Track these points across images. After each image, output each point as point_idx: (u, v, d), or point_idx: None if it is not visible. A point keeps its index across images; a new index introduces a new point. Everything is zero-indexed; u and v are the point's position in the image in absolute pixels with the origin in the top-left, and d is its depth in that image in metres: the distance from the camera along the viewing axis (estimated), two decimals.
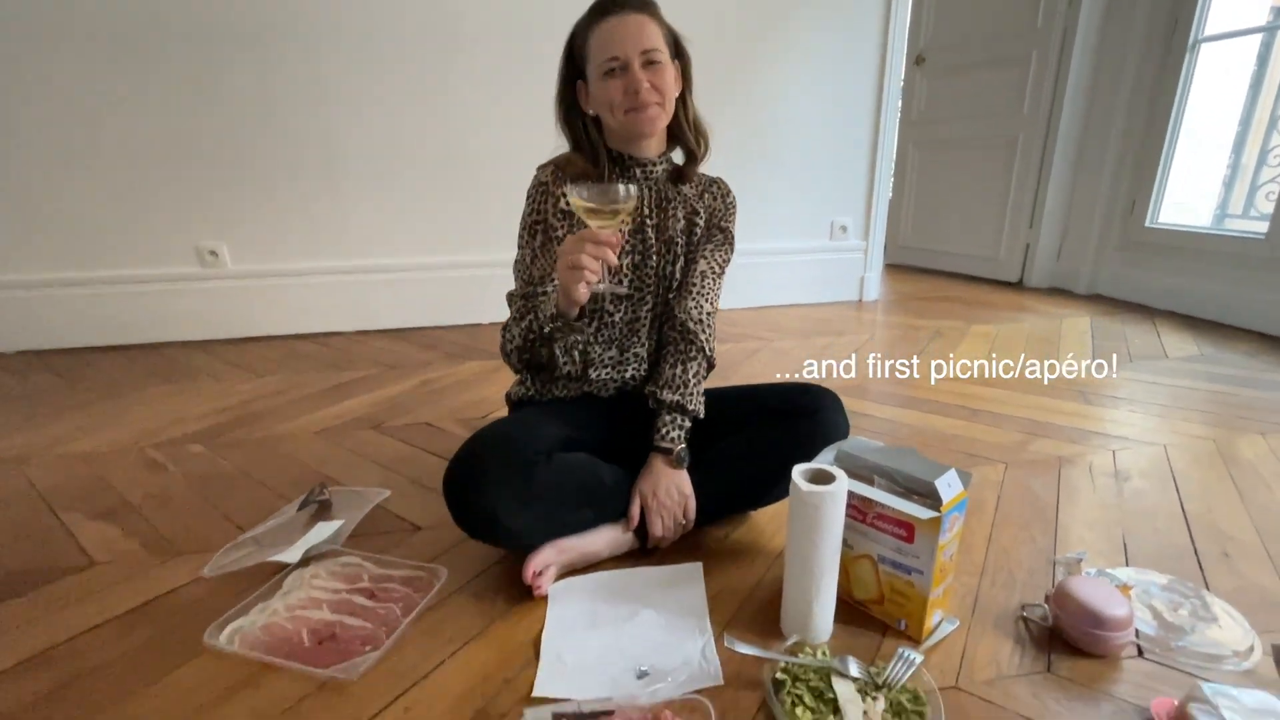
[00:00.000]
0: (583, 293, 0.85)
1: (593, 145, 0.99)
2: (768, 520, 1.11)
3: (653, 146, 1.01)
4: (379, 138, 2.22)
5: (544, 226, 1.01)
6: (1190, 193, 2.62)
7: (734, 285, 2.65)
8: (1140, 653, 0.80)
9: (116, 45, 1.97)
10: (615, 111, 0.93)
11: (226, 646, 0.83)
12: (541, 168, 1.03)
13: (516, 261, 1.04)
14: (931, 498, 0.77)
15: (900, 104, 3.38)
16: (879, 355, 2.03)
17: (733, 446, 1.03)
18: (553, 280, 1.00)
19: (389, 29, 2.13)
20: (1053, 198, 2.83)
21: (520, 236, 1.03)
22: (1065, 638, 0.81)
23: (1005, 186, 2.97)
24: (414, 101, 2.21)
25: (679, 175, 1.05)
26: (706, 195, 1.09)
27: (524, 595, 0.91)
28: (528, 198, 1.03)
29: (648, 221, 1.03)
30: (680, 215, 1.05)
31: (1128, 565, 0.97)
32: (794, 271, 2.72)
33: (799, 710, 0.69)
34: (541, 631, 0.85)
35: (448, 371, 1.93)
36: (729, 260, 1.12)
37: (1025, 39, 2.79)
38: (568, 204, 0.98)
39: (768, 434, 1.01)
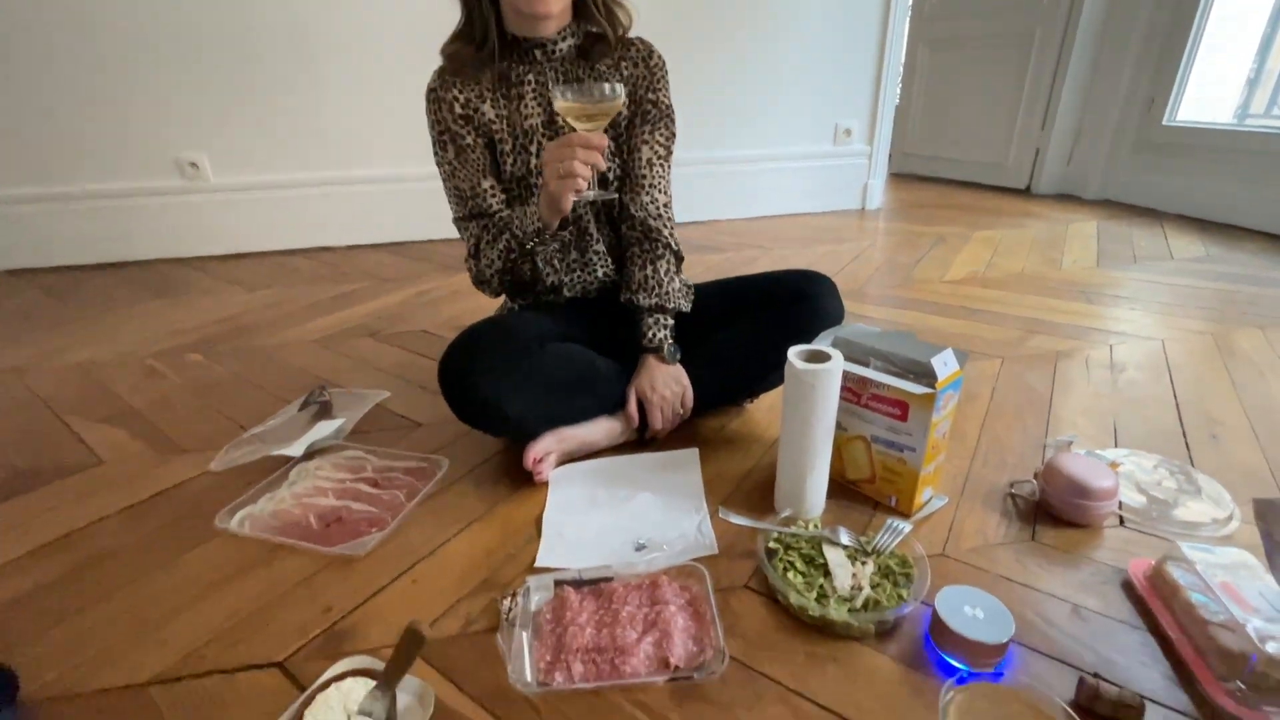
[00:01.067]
0: (570, 202, 0.83)
1: (484, 22, 0.88)
2: (763, 413, 1.12)
3: (552, 25, 0.90)
4: (358, 36, 2.09)
5: (451, 137, 0.95)
6: (1212, 90, 2.49)
7: (732, 195, 2.59)
8: (1122, 522, 0.83)
9: None
10: None
11: (238, 529, 0.86)
12: (432, 77, 0.95)
13: (444, 181, 0.99)
14: (927, 377, 0.78)
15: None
16: (879, 260, 2.00)
17: (728, 335, 1.02)
18: (514, 198, 0.96)
19: None
20: (1068, 97, 2.69)
21: (434, 154, 0.98)
22: (1051, 510, 0.84)
23: (1018, 86, 2.83)
24: (385, 9, 2.06)
25: (585, 52, 0.94)
26: (624, 64, 0.96)
27: (525, 481, 0.93)
28: (426, 112, 0.96)
29: (556, 116, 0.94)
30: (618, 83, 0.93)
31: (1117, 447, 0.99)
32: (795, 179, 2.64)
33: (790, 574, 0.72)
34: (543, 512, 0.87)
35: (442, 283, 1.91)
36: (673, 136, 1.01)
37: None
38: (464, 108, 0.93)
39: (762, 320, 1.00)
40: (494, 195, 0.96)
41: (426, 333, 1.53)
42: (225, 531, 0.86)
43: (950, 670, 0.62)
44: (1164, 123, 2.48)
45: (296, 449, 1.00)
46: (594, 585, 0.73)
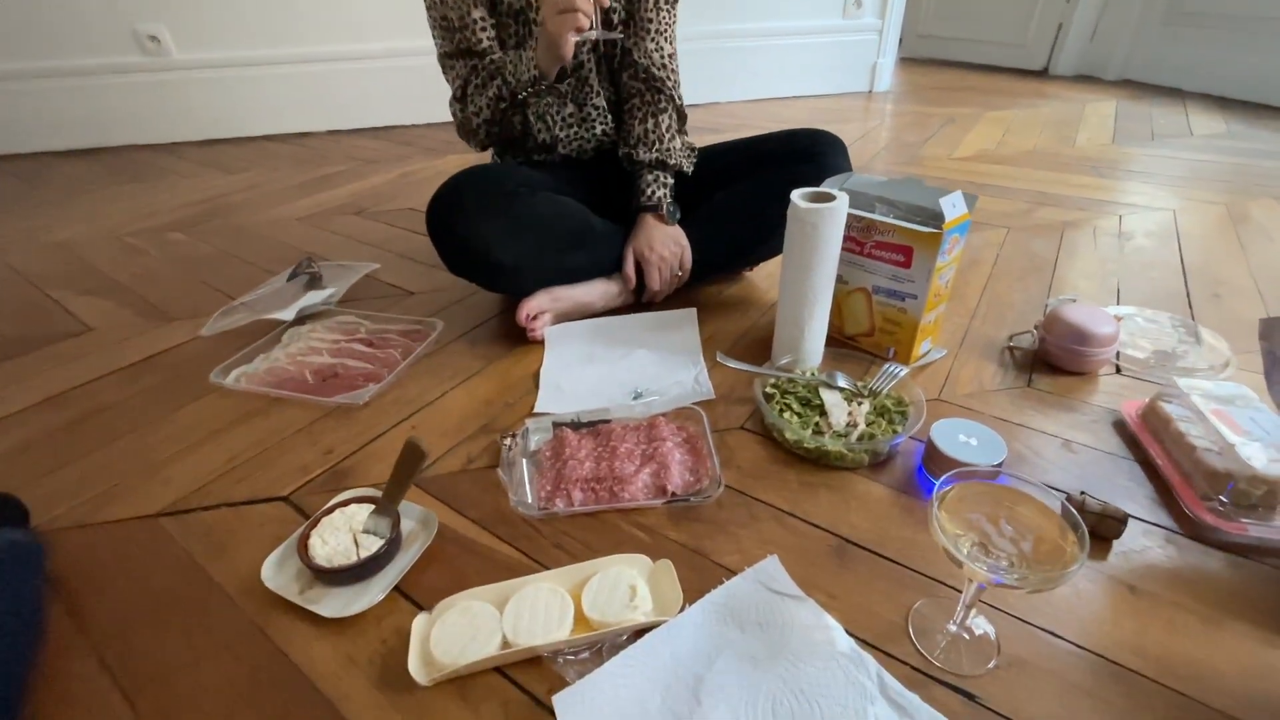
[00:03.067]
0: (570, 44, 0.76)
1: None
2: (763, 278, 1.10)
3: None
4: None
5: None
6: None
7: (733, 75, 2.45)
8: (1119, 371, 0.83)
9: None
10: None
11: (234, 385, 0.85)
12: None
13: (428, 9, 0.89)
14: (935, 219, 0.75)
15: None
16: (886, 139, 1.91)
17: (729, 196, 0.98)
18: (508, 36, 0.88)
19: None
20: None
21: None
22: (1049, 359, 0.84)
23: None
24: None
25: None
26: None
27: (521, 341, 0.93)
28: None
29: None
30: None
31: (1118, 304, 0.98)
32: (800, 57, 2.47)
33: (787, 414, 0.73)
34: (540, 367, 0.87)
35: (427, 164, 1.82)
36: None
37: None
38: None
39: (766, 180, 0.95)
40: (484, 29, 0.88)
41: (413, 210, 1.48)
42: (220, 387, 0.85)
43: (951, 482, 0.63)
44: None
45: (288, 313, 0.99)
46: (592, 427, 0.73)
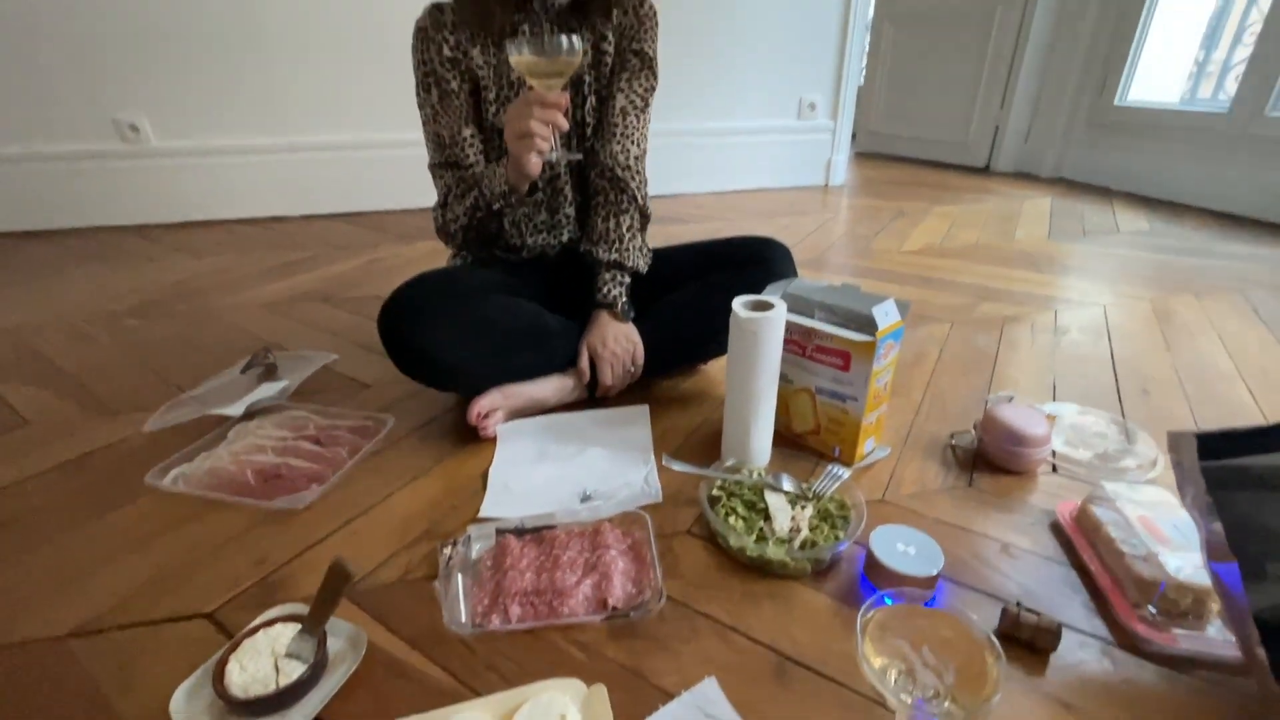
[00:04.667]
0: (535, 164, 0.81)
1: None
2: (716, 371, 1.13)
3: None
4: (298, 11, 2.01)
5: (435, 79, 0.91)
6: (1161, 73, 2.56)
7: (697, 168, 2.58)
8: (1055, 469, 0.85)
9: None
10: None
11: (170, 487, 0.83)
12: (422, 14, 0.91)
13: (423, 124, 0.96)
14: (869, 326, 0.78)
15: None
16: (840, 232, 2.01)
17: (682, 296, 1.02)
18: (492, 149, 0.94)
19: None
20: (1025, 76, 2.74)
21: (416, 95, 0.94)
22: (988, 458, 0.86)
23: (979, 64, 2.86)
24: None
25: (580, 6, 0.92)
26: (615, 11, 0.94)
27: (472, 438, 0.92)
28: (412, 50, 0.92)
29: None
30: (578, 36, 0.93)
31: (1055, 401, 1.02)
32: (760, 153, 2.64)
33: (731, 519, 0.73)
34: (489, 466, 0.86)
35: (397, 251, 1.86)
36: (653, 89, 1.00)
37: None
38: (452, 50, 0.89)
39: (716, 282, 0.99)
40: (472, 145, 0.94)
41: (379, 297, 1.48)
42: (156, 489, 0.83)
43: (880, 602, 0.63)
44: (1115, 103, 2.54)
45: (236, 408, 0.97)
46: (536, 533, 0.72)
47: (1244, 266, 1.64)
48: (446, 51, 0.90)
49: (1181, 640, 0.59)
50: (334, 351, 1.20)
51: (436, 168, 0.98)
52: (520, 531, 0.72)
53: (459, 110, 0.93)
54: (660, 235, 1.99)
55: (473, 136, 0.94)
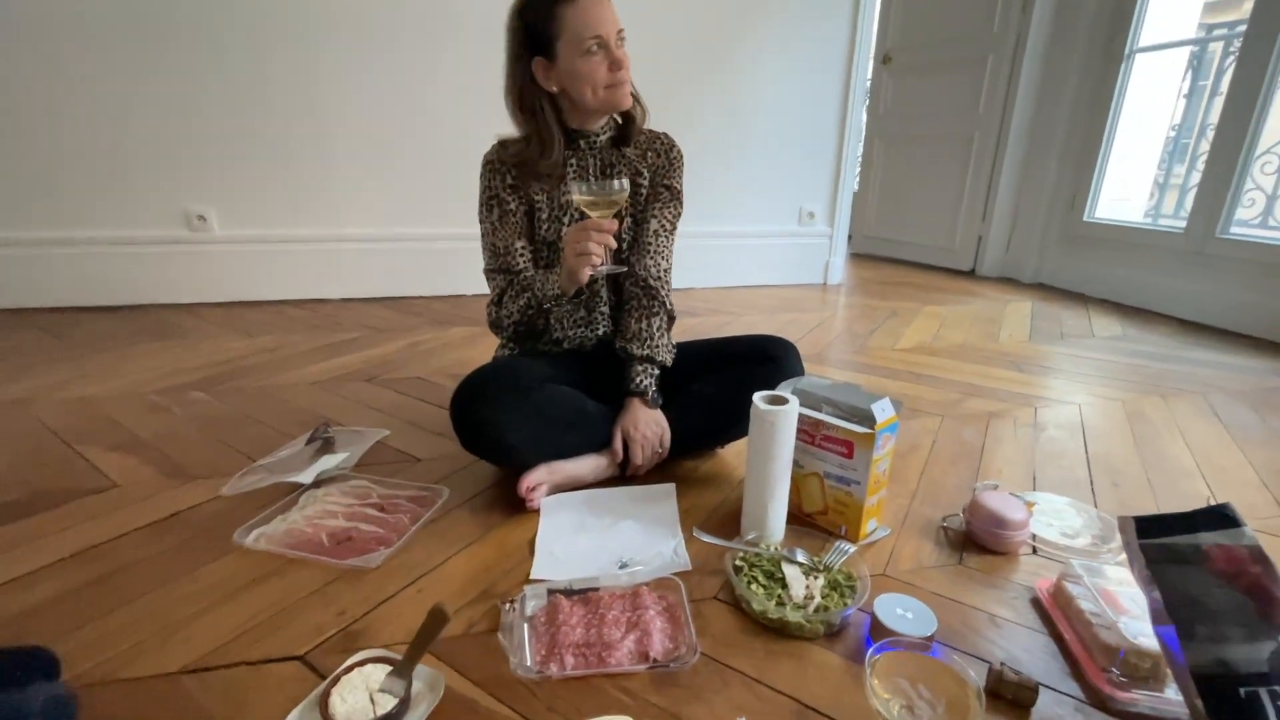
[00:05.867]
0: (586, 274, 0.98)
1: (549, 136, 1.04)
2: (734, 455, 1.25)
3: (601, 120, 1.10)
4: (367, 117, 2.29)
5: (498, 201, 1.11)
6: (1125, 191, 2.85)
7: (707, 265, 2.81)
8: (1035, 551, 0.97)
9: (125, 28, 2.01)
10: (597, 89, 1.01)
11: (254, 545, 0.93)
12: (491, 149, 1.12)
13: (482, 235, 1.15)
14: (869, 420, 0.92)
15: (868, 100, 3.57)
16: (839, 329, 2.20)
17: (704, 386, 1.16)
18: (531, 260, 1.12)
19: (382, 12, 2.20)
20: (1003, 192, 3.03)
21: (480, 212, 1.14)
22: (975, 540, 0.97)
23: (961, 181, 3.17)
24: (399, 84, 2.28)
25: (622, 139, 1.13)
26: (649, 154, 1.15)
27: (519, 509, 1.04)
28: (481, 177, 1.12)
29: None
30: (617, 177, 1.11)
31: (1034, 490, 1.14)
32: (764, 254, 2.88)
33: (754, 586, 0.84)
34: (535, 535, 0.97)
35: (435, 335, 2.03)
36: (679, 215, 1.19)
37: (982, 43, 2.98)
38: (514, 179, 1.09)
39: (734, 375, 1.14)
40: (523, 255, 1.12)
41: (421, 379, 1.64)
42: (241, 547, 0.93)
43: (885, 648, 0.73)
44: (1084, 219, 2.81)
45: (306, 476, 1.09)
46: (583, 594, 0.83)
47: (1207, 372, 1.80)
48: (509, 180, 1.10)
49: (1143, 700, 0.68)
50: (385, 428, 1.33)
51: (491, 272, 1.15)
52: (569, 592, 0.83)
53: (515, 226, 1.12)
54: (676, 327, 2.16)
55: (524, 248, 1.13)
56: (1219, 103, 2.32)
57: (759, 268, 2.89)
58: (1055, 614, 0.81)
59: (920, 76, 3.32)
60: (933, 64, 3.24)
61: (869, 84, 3.55)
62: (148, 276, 2.28)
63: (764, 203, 2.81)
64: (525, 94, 1.03)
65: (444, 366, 1.73)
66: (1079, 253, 2.84)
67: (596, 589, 0.84)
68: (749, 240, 2.84)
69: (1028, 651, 0.77)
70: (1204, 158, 2.58)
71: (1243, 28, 2.19)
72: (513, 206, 1.11)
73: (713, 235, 2.78)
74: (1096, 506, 1.09)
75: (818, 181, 2.84)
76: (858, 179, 3.79)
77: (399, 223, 2.44)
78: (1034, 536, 0.99)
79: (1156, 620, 0.64)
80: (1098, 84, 2.71)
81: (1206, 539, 0.63)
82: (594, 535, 0.97)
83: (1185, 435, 1.38)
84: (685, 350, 1.23)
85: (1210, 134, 2.33)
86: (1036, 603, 0.85)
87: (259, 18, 2.12)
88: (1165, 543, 0.64)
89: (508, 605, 0.79)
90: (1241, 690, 0.58)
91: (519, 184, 1.10)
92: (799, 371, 1.16)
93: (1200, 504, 1.10)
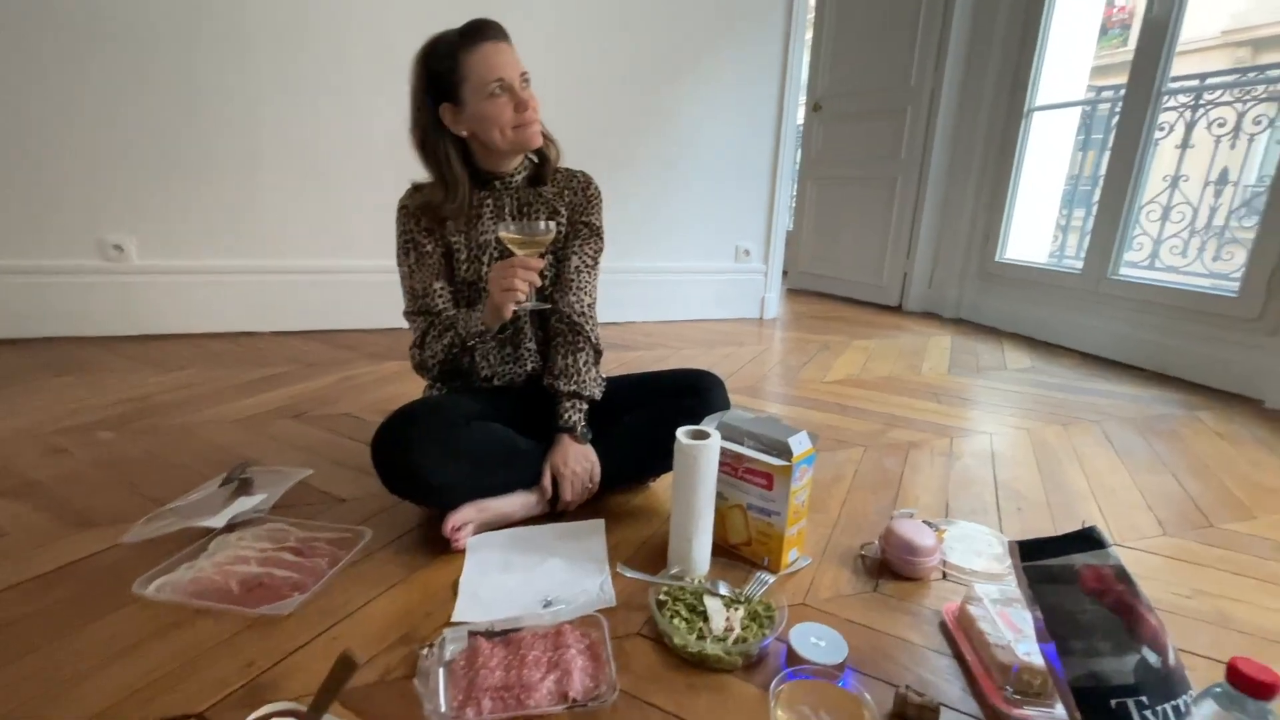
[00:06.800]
0: (510, 310, 1.01)
1: (455, 181, 1.06)
2: (664, 489, 1.27)
3: (515, 159, 1.12)
4: (302, 140, 2.26)
5: (414, 244, 1.12)
6: (1032, 234, 3.08)
7: (648, 299, 2.87)
8: (945, 576, 1.02)
9: (32, 34, 1.93)
10: (505, 130, 1.04)
11: (155, 596, 0.88)
12: (405, 194, 1.14)
13: (401, 279, 1.16)
14: (786, 453, 0.96)
15: (800, 144, 3.77)
16: (773, 362, 2.27)
17: (632, 420, 1.18)
18: (452, 300, 1.14)
19: (313, 36, 2.19)
20: (925, 233, 3.24)
21: (397, 256, 1.15)
22: (890, 567, 1.02)
23: (887, 221, 3.37)
24: (338, 105, 2.27)
25: (538, 178, 1.16)
26: (566, 192, 1.18)
27: (444, 549, 1.02)
28: (396, 221, 1.13)
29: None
30: (541, 217, 1.16)
31: (947, 517, 1.20)
32: (702, 289, 2.96)
33: (676, 621, 0.85)
34: (460, 575, 0.96)
35: (368, 369, 1.98)
36: (600, 250, 1.22)
37: (901, 95, 3.21)
38: (428, 221, 1.10)
39: (662, 409, 1.16)
40: (442, 296, 1.13)
41: (351, 415, 1.60)
42: (141, 598, 0.88)
43: (791, 677, 0.75)
44: (996, 259, 3.02)
45: (218, 521, 1.05)
46: (504, 635, 0.82)
47: (1103, 401, 1.95)
48: (424, 222, 1.12)
49: (1035, 715, 0.73)
50: (309, 467, 1.29)
51: (412, 315, 1.16)
52: (490, 634, 0.82)
53: (432, 268, 1.13)
54: (615, 360, 2.19)
55: (442, 288, 1.14)
56: (1108, 156, 2.57)
57: (698, 302, 2.97)
58: (959, 636, 0.86)
59: (848, 123, 3.54)
60: (859, 112, 3.46)
61: (800, 129, 3.76)
62: (57, 308, 2.15)
63: (702, 240, 2.90)
64: (429, 140, 1.05)
65: (376, 402, 1.69)
66: (993, 290, 3.05)
67: (519, 629, 0.83)
68: (688, 276, 2.92)
69: (934, 673, 0.80)
70: (1096, 202, 2.84)
71: (1123, 91, 2.44)
72: (429, 249, 1.12)
73: (653, 271, 2.85)
74: (1002, 531, 1.16)
75: (752, 221, 2.96)
76: (792, 218, 3.97)
77: (334, 253, 2.40)
78: (944, 562, 1.04)
79: (1040, 638, 0.69)
80: (1003, 136, 2.95)
81: (1079, 560, 0.69)
82: (520, 574, 0.96)
83: (1082, 461, 1.49)
84: (616, 384, 1.26)
85: (1102, 183, 2.57)
86: (944, 626, 0.89)
87: (187, 28, 2.07)
88: (1044, 565, 0.69)
89: (426, 650, 0.78)
90: (1112, 701, 0.63)
91: (434, 226, 1.12)
92: (724, 403, 1.20)
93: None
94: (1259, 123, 2.21)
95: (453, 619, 0.86)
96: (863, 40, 3.38)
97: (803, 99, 3.54)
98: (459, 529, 1.01)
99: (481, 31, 1.03)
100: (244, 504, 1.11)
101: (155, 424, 1.50)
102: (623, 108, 2.64)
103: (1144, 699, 0.63)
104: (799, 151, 3.84)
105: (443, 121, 1.05)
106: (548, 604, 0.90)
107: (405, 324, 1.18)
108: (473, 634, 0.82)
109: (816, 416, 1.74)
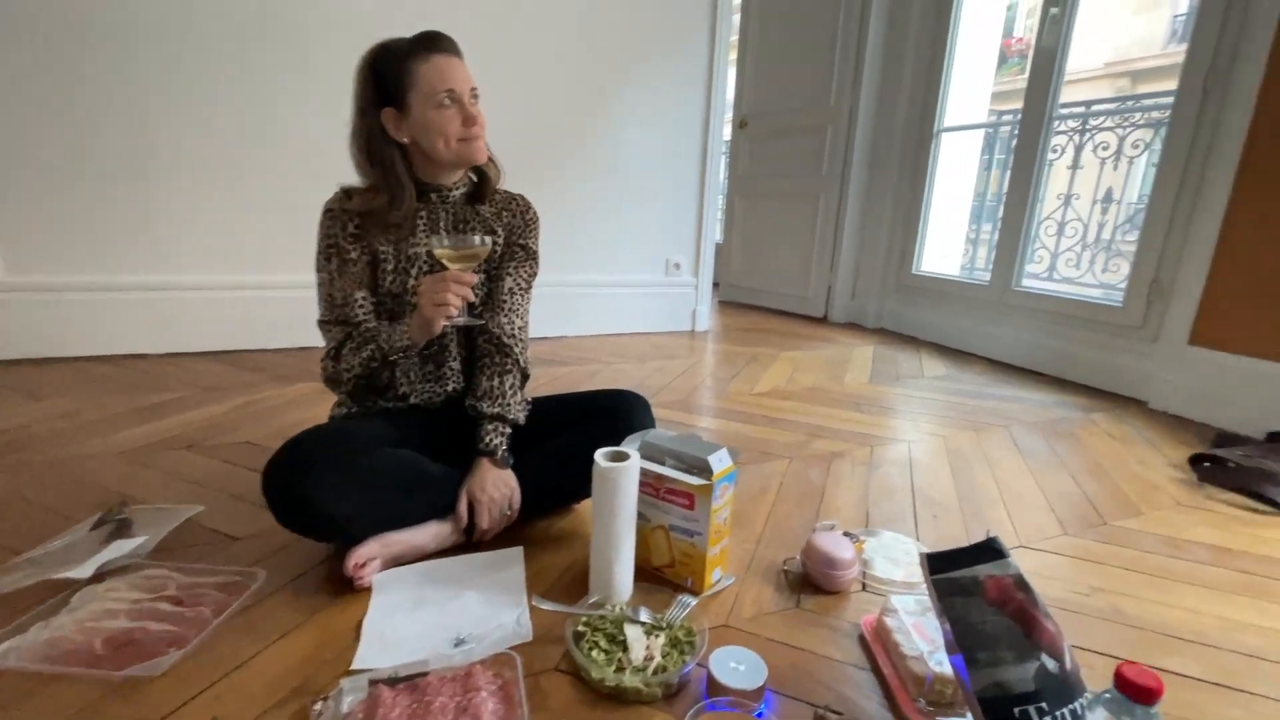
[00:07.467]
0: (440, 326, 0.97)
1: (400, 187, 1.02)
2: (589, 512, 1.24)
3: (455, 174, 1.10)
4: (201, 143, 2.11)
5: (337, 250, 1.06)
6: (944, 248, 3.25)
7: (580, 314, 2.84)
8: (864, 587, 1.03)
9: None
10: (449, 141, 1.01)
11: (1, 663, 0.77)
12: (333, 197, 1.08)
13: (319, 285, 1.09)
14: (706, 471, 0.95)
15: (727, 160, 3.85)
16: (703, 375, 2.28)
17: (555, 444, 1.14)
18: (373, 312, 1.08)
19: (217, 29, 2.06)
20: (846, 246, 3.36)
21: (317, 261, 1.08)
22: (811, 581, 1.02)
23: (811, 235, 3.47)
24: (241, 104, 2.13)
25: (477, 196, 1.14)
26: (504, 214, 1.16)
27: (348, 588, 0.95)
28: (320, 224, 1.07)
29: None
30: (477, 233, 1.12)
31: (867, 527, 1.23)
32: (634, 303, 2.95)
33: (594, 653, 0.81)
34: (364, 617, 0.89)
35: (275, 393, 1.86)
36: (534, 275, 1.20)
37: (821, 115, 3.33)
38: (356, 228, 1.05)
39: (585, 431, 1.13)
40: (363, 306, 1.07)
41: (252, 444, 1.48)
42: None
43: (710, 708, 0.73)
44: (913, 271, 3.17)
45: (83, 571, 0.94)
46: (410, 681, 0.76)
47: (1010, 407, 2.06)
48: (351, 229, 1.05)
49: None
50: (200, 503, 1.18)
51: (327, 324, 1.08)
52: (393, 680, 0.76)
53: (355, 276, 1.07)
54: (545, 376, 2.14)
55: (364, 299, 1.08)
56: (1009, 175, 2.74)
57: (630, 316, 2.96)
58: (876, 648, 0.86)
59: (772, 141, 3.64)
60: (783, 130, 3.57)
61: (727, 145, 3.84)
62: None
63: (632, 254, 2.90)
64: (374, 144, 1.01)
65: (282, 429, 1.58)
66: (911, 301, 3.19)
67: (425, 673, 0.77)
68: (619, 290, 2.91)
69: (853, 689, 0.80)
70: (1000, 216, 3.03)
71: (1020, 115, 2.62)
72: (354, 256, 1.06)
73: (584, 285, 2.82)
74: (919, 538, 1.19)
75: (682, 234, 2.99)
76: (722, 232, 4.04)
77: (239, 267, 2.24)
78: (864, 573, 1.05)
79: (949, 650, 0.69)
80: (916, 154, 3.10)
81: (982, 571, 0.70)
82: (431, 611, 0.91)
83: (992, 466, 1.56)
84: (540, 405, 1.22)
85: (1004, 200, 2.74)
86: (862, 639, 0.90)
87: (67, 23, 1.90)
88: (951, 577, 0.71)
89: (319, 703, 0.71)
90: (1016, 710, 0.64)
91: (362, 234, 1.06)
92: (649, 423, 1.18)
93: (999, 528, 1.23)
94: (1137, 146, 2.42)
95: (353, 666, 0.80)
96: (785, 60, 3.50)
97: (729, 116, 3.63)
98: (362, 565, 0.95)
99: (436, 43, 1.01)
100: (118, 549, 1.00)
101: (23, 460, 1.34)
102: (555, 126, 2.61)
103: (1044, 705, 0.64)
104: (727, 167, 3.93)
105: (385, 127, 1.02)
106: (459, 642, 0.85)
107: (319, 342, 1.10)
108: (373, 682, 0.76)
109: (745, 429, 1.75)
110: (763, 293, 3.84)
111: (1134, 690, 0.53)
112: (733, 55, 3.30)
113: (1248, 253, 1.87)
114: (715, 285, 3.74)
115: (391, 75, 0.99)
